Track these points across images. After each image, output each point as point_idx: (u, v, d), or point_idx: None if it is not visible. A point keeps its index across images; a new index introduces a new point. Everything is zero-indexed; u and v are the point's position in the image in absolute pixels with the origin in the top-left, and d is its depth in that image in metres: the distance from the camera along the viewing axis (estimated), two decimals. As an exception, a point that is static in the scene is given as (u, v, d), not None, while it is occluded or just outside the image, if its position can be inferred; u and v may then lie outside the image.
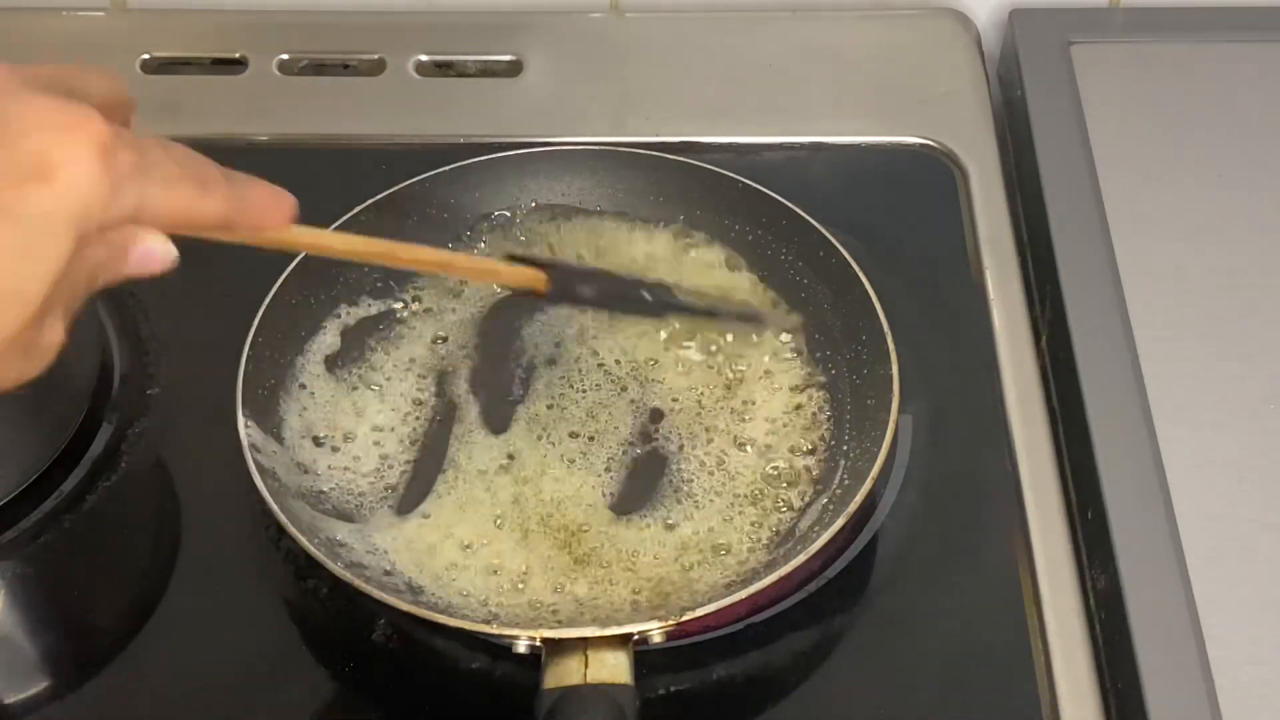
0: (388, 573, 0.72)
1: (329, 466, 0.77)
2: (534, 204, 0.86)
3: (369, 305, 0.83)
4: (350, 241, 0.67)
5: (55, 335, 0.53)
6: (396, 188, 0.84)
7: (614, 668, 0.65)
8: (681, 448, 0.78)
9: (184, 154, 0.55)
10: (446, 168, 0.85)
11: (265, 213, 0.59)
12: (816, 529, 0.71)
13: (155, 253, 0.55)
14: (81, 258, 0.52)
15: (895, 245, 0.88)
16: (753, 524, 0.75)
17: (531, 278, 0.73)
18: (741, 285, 0.83)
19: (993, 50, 1.03)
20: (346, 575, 0.68)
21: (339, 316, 0.82)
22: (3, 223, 0.49)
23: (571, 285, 0.75)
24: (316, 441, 0.78)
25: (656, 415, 0.79)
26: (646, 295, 0.76)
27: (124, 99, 0.57)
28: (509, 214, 0.86)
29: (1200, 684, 0.69)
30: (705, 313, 0.80)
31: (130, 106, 0.58)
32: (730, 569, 0.73)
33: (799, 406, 0.79)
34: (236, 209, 0.57)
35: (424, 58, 1.00)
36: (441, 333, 0.83)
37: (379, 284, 0.83)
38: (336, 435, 0.78)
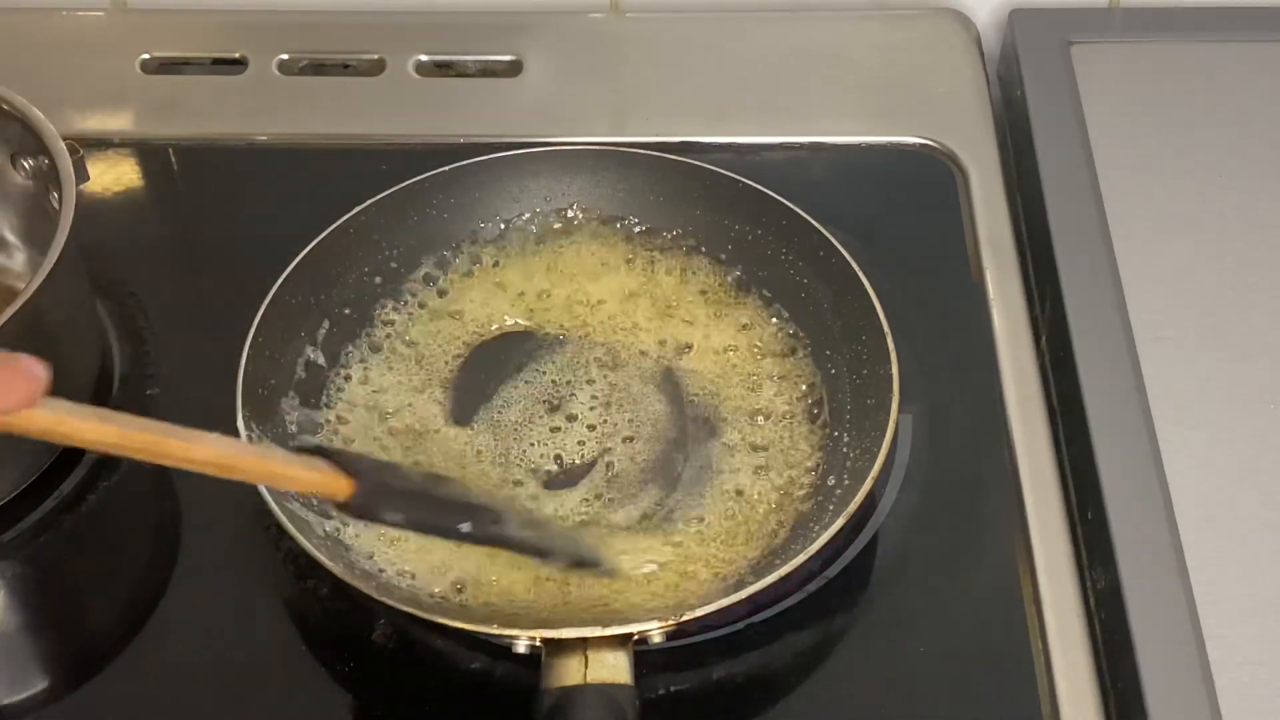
0: (387, 573, 0.72)
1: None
2: (527, 215, 0.86)
3: (369, 305, 0.83)
4: (104, 431, 0.57)
5: None
6: (396, 188, 0.84)
7: (614, 668, 0.65)
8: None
9: None
10: (446, 168, 0.85)
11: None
12: (816, 529, 0.71)
13: None
14: None
15: (895, 245, 0.88)
16: (753, 523, 0.75)
17: (334, 487, 0.63)
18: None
19: (993, 50, 1.03)
20: (346, 575, 0.68)
21: (339, 316, 0.82)
22: None
23: (376, 505, 0.65)
24: (317, 440, 0.78)
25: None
26: (465, 527, 0.67)
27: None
28: (504, 225, 0.86)
29: (1200, 684, 0.69)
30: (534, 550, 0.70)
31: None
32: (730, 568, 0.73)
33: (799, 406, 0.79)
34: None
35: (424, 58, 1.00)
36: (439, 328, 0.83)
37: (379, 285, 0.83)
38: (337, 436, 0.78)
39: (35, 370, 0.53)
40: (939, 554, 0.76)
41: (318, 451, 0.64)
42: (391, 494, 0.65)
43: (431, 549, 0.73)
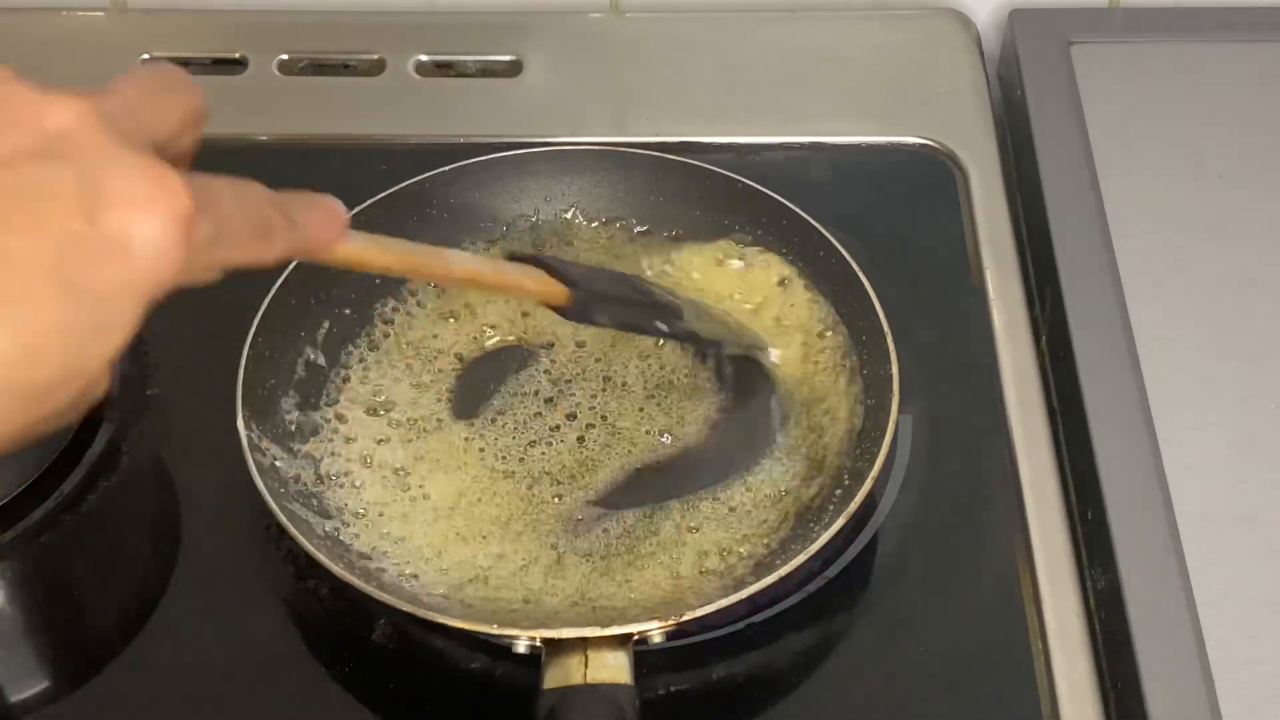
0: (388, 572, 0.72)
1: (329, 466, 0.77)
2: (534, 218, 0.87)
3: (369, 305, 0.83)
4: (387, 257, 0.64)
5: (99, 389, 0.50)
6: (396, 188, 0.84)
7: (614, 668, 0.65)
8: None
9: (251, 201, 0.54)
10: (446, 168, 0.85)
11: (320, 238, 0.57)
12: (817, 529, 0.71)
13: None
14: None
15: (895, 245, 0.88)
16: (753, 523, 0.75)
17: (554, 294, 0.70)
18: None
19: (993, 50, 1.03)
20: (346, 575, 0.68)
21: (339, 316, 0.82)
22: (78, 303, 0.47)
23: (590, 309, 0.72)
24: (317, 441, 0.78)
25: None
26: (661, 326, 0.76)
27: (199, 110, 0.55)
28: (504, 225, 0.86)
29: (1200, 684, 0.69)
30: (710, 340, 0.78)
31: (203, 116, 0.55)
32: (730, 568, 0.73)
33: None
34: (294, 248, 0.56)
35: (424, 58, 1.00)
36: (437, 332, 0.83)
37: (378, 283, 0.83)
38: (337, 435, 0.78)
39: (339, 208, 0.58)
40: (939, 554, 0.76)
41: (534, 260, 0.70)
42: (602, 299, 0.73)
43: (431, 548, 0.73)
